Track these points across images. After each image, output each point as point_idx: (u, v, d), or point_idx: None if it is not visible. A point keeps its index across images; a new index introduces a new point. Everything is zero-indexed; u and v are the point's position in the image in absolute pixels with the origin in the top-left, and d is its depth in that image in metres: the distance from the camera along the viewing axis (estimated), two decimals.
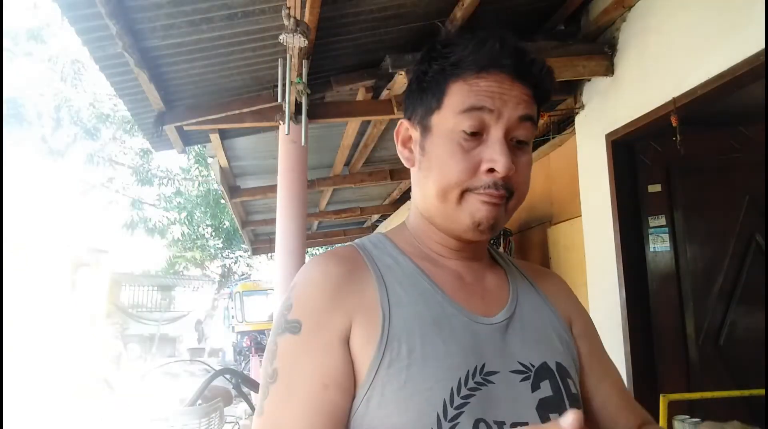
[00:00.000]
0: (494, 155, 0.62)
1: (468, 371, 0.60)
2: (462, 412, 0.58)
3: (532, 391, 0.63)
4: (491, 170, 0.62)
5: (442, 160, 0.64)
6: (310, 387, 0.59)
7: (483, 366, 0.61)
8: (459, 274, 0.70)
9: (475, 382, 0.60)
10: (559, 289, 0.79)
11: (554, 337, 0.70)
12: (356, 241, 0.73)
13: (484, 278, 0.72)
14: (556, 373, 0.66)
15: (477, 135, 0.63)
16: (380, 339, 0.60)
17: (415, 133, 0.69)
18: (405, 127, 0.72)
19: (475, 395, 0.59)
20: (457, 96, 0.64)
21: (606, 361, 0.77)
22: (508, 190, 0.64)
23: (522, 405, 0.62)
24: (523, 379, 0.63)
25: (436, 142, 0.65)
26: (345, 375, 0.59)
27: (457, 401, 0.58)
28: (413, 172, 0.71)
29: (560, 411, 0.62)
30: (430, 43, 0.68)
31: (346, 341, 0.61)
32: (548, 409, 0.62)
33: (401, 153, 0.72)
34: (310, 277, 0.66)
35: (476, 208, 0.63)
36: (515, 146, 0.65)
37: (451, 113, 0.64)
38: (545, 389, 0.64)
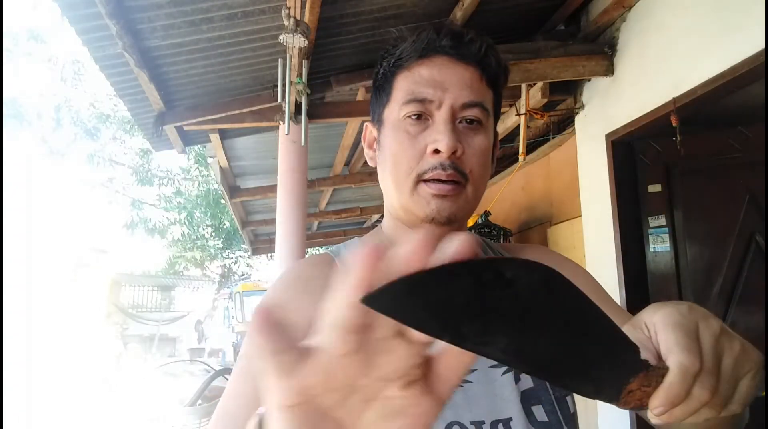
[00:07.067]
0: (437, 135, 0.62)
1: None
2: None
3: (515, 383, 0.61)
4: (436, 151, 0.62)
5: (393, 149, 0.66)
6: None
7: None
8: None
9: None
10: (536, 259, 0.73)
11: None
12: (332, 247, 0.74)
13: None
14: None
15: (422, 118, 0.64)
16: None
17: (375, 132, 0.72)
18: (369, 129, 0.74)
19: None
20: (402, 86, 0.66)
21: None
22: (459, 172, 0.62)
23: (504, 400, 0.60)
24: (505, 372, 0.62)
25: (388, 134, 0.67)
26: None
27: None
28: (378, 171, 0.72)
29: (543, 402, 0.61)
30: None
31: None
32: (530, 401, 0.61)
33: (367, 154, 0.74)
34: (282, 277, 0.69)
35: (427, 201, 0.63)
36: (466, 126, 0.64)
37: (397, 104, 0.66)
38: (526, 380, 0.62)
